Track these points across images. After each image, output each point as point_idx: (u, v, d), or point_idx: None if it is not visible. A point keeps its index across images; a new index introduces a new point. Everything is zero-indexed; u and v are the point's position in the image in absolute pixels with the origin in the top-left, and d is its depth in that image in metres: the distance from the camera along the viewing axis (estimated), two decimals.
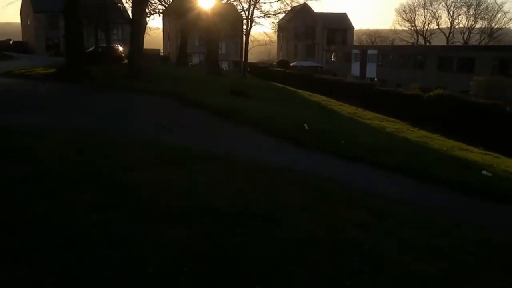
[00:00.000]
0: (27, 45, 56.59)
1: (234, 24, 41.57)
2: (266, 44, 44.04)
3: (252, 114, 14.05)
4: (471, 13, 72.44)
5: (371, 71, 52.45)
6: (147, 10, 32.10)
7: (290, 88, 32.40)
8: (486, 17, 71.20)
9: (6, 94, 16.03)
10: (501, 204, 8.34)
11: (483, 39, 69.95)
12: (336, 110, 21.63)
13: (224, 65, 60.27)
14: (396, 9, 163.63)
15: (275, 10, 41.41)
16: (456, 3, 73.85)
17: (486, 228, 6.49)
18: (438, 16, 78.73)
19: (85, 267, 3.77)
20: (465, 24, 74.14)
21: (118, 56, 33.26)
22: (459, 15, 74.89)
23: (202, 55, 59.39)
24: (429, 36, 76.96)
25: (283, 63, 57.83)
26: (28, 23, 59.58)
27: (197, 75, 29.72)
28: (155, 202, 5.55)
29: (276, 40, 63.43)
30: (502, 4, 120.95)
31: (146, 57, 34.75)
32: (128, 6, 44.76)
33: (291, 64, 60.72)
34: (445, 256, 5.06)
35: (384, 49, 55.71)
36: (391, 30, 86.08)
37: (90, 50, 30.75)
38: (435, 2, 76.81)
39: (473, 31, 72.54)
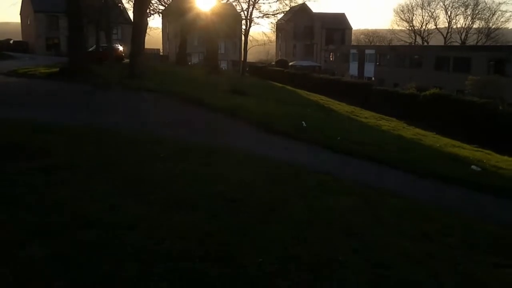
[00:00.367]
0: (27, 44, 56.99)
1: (233, 24, 42.05)
2: (265, 44, 44.46)
3: (252, 112, 14.54)
4: (469, 13, 73.20)
5: (369, 70, 53.01)
6: (147, 10, 32.55)
7: (289, 87, 32.90)
8: (483, 17, 71.94)
9: (13, 92, 16.52)
10: (487, 195, 8.86)
11: (480, 39, 70.57)
12: (334, 109, 22.12)
13: (223, 65, 60.76)
14: (394, 9, 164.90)
15: (274, 11, 41.90)
16: (454, 3, 74.59)
17: (470, 215, 7.01)
18: (436, 16, 79.40)
19: (105, 245, 4.23)
20: (462, 24, 74.89)
21: (118, 56, 33.76)
22: (456, 15, 75.70)
23: (201, 55, 59.90)
24: (427, 36, 77.60)
25: (281, 63, 58.34)
26: (28, 23, 59.99)
27: (197, 74, 30.18)
28: (165, 190, 6.03)
29: (275, 40, 63.87)
30: (499, 4, 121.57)
31: (146, 56, 35.27)
32: (128, 6, 45.32)
33: (290, 63, 61.24)
34: (430, 239, 5.57)
35: (381, 49, 56.26)
36: (389, 30, 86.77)
37: (90, 49, 31.19)
38: (433, 2, 77.69)
39: (470, 31, 73.17)
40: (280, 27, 54.27)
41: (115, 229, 4.53)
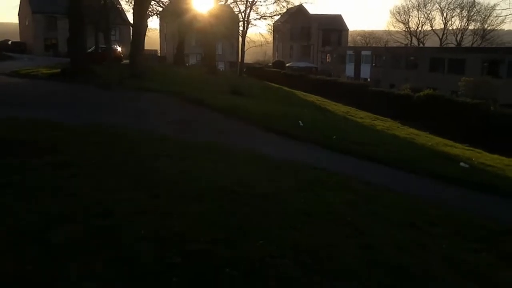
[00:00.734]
0: (25, 45, 57.26)
1: (230, 26, 42.51)
2: (262, 45, 45.00)
3: (251, 111, 15.01)
4: (464, 15, 73.94)
5: (365, 72, 53.59)
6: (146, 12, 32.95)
7: (286, 88, 33.36)
8: (479, 18, 72.70)
9: (19, 92, 16.92)
10: (474, 191, 9.36)
11: (476, 40, 71.30)
12: (330, 109, 22.61)
13: (220, 66, 61.17)
14: (390, 10, 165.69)
15: (271, 12, 42.44)
16: (450, 5, 75.34)
17: (455, 208, 7.49)
18: (432, 18, 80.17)
19: (121, 231, 4.66)
20: (458, 25, 75.64)
21: (117, 57, 34.19)
22: (452, 17, 76.39)
23: (199, 56, 60.36)
24: (423, 37, 78.30)
25: (278, 64, 58.82)
26: (27, 23, 60.26)
27: (195, 75, 30.63)
28: (172, 184, 6.46)
29: (272, 41, 64.41)
30: (494, 5, 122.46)
31: (144, 57, 35.63)
32: (127, 8, 45.70)
33: (287, 64, 61.73)
34: (418, 228, 6.04)
35: (377, 50, 56.89)
36: (385, 31, 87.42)
37: (90, 50, 31.55)
38: (429, 4, 78.69)
39: (466, 33, 73.91)
40: (277, 29, 54.89)
41: (130, 215, 4.96)
